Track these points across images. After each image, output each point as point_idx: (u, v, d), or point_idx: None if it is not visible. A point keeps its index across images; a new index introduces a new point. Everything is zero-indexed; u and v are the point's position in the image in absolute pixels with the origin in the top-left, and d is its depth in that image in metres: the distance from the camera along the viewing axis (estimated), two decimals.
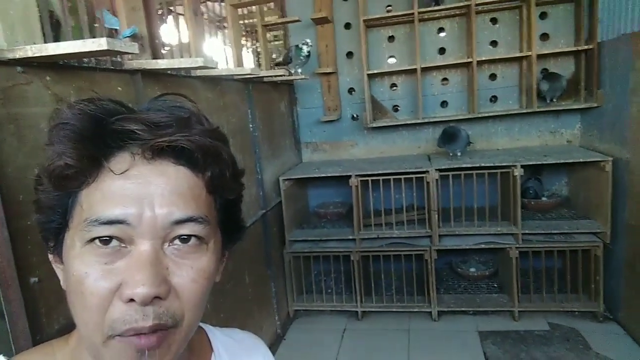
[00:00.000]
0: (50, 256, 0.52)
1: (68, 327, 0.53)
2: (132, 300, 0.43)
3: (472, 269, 2.97)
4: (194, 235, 0.48)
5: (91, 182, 0.46)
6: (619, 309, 2.49)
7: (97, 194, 0.45)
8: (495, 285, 2.88)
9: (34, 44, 1.02)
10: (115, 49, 0.98)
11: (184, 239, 0.47)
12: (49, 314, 1.00)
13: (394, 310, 2.79)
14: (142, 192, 0.45)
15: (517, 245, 2.54)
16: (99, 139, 0.46)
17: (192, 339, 0.52)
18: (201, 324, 0.66)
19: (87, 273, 0.44)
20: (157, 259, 0.45)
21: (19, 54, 0.97)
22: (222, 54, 2.39)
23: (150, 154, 0.47)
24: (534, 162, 2.53)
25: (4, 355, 0.51)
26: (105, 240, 0.44)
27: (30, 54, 0.97)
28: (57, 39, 1.29)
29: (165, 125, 0.47)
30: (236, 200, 0.56)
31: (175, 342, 0.47)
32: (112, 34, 1.56)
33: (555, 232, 2.53)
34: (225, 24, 2.50)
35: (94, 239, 0.44)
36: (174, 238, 0.47)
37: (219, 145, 0.50)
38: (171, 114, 0.49)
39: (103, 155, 0.46)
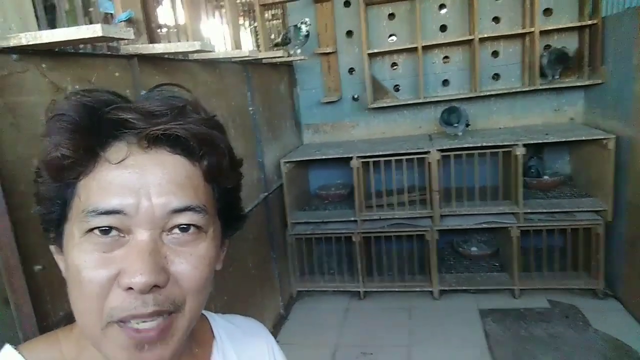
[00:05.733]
0: (52, 247, 0.53)
1: (72, 313, 0.54)
2: (130, 288, 0.43)
3: (474, 249, 2.99)
4: (193, 225, 0.48)
5: (88, 172, 0.46)
6: (619, 286, 2.52)
7: (94, 185, 0.46)
8: (496, 264, 2.90)
9: (28, 31, 1.01)
10: (110, 35, 0.97)
11: (183, 228, 0.47)
12: (53, 301, 1.02)
13: (396, 289, 2.83)
14: (139, 182, 0.45)
15: (519, 225, 2.55)
16: (94, 129, 0.46)
17: (194, 326, 0.53)
18: (202, 311, 0.67)
19: (85, 262, 0.45)
20: (155, 248, 0.45)
21: (13, 42, 0.97)
22: (219, 34, 2.36)
23: (146, 143, 0.47)
24: (536, 141, 2.51)
25: (10, 344, 0.52)
26: (104, 230, 0.45)
27: (24, 42, 0.96)
28: (51, 23, 1.28)
29: (160, 114, 0.47)
30: (235, 189, 0.56)
31: (178, 331, 0.47)
32: (107, 18, 1.54)
33: (556, 210, 2.54)
34: (222, 4, 2.46)
35: (93, 229, 0.45)
36: (173, 227, 0.47)
37: (214, 134, 0.50)
38: (166, 102, 0.49)
39: (99, 145, 0.46)
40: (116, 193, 0.45)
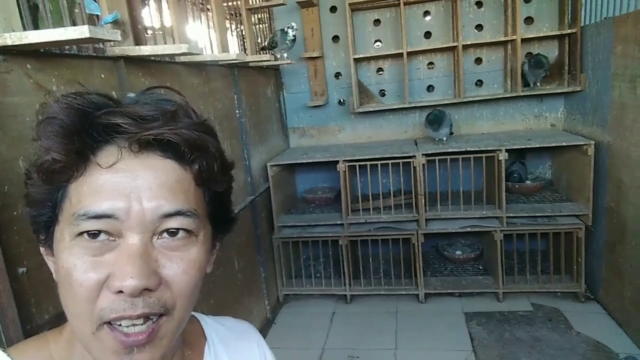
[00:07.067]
0: (42, 249, 0.52)
1: (58, 316, 0.54)
2: (121, 291, 0.44)
3: (458, 252, 3.03)
4: (183, 229, 0.48)
5: (79, 176, 0.46)
6: (599, 289, 2.57)
7: (85, 188, 0.45)
8: (481, 268, 2.94)
9: (13, 31, 1.00)
10: (98, 37, 0.96)
11: (173, 232, 0.47)
12: (38, 304, 1.00)
13: (382, 293, 2.84)
14: (130, 186, 0.45)
15: (502, 228, 2.59)
16: (85, 133, 0.46)
17: (185, 328, 0.53)
18: (194, 313, 0.67)
19: (75, 265, 0.45)
20: (146, 252, 0.45)
21: None
22: (206, 37, 2.35)
23: (137, 147, 0.47)
24: (519, 147, 2.56)
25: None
26: (94, 234, 0.45)
27: (9, 42, 0.94)
28: (35, 23, 1.26)
29: (151, 119, 0.47)
30: (225, 192, 0.56)
31: (168, 334, 0.48)
32: (93, 19, 1.52)
33: (538, 215, 2.59)
34: (209, 7, 2.45)
35: (83, 232, 0.45)
36: (163, 231, 0.47)
37: (205, 138, 0.50)
38: (158, 107, 0.49)
39: (90, 149, 0.46)
40: (107, 197, 0.45)
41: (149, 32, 2.16)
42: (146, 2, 2.14)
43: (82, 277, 0.44)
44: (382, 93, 3.21)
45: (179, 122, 0.49)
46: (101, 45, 1.37)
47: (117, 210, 0.44)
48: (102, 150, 0.46)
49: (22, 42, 0.95)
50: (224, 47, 2.36)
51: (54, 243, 0.49)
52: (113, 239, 0.45)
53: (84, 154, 0.46)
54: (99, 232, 0.45)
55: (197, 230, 0.50)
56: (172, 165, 0.48)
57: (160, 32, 1.98)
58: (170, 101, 0.51)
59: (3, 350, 0.51)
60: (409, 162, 2.64)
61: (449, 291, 2.78)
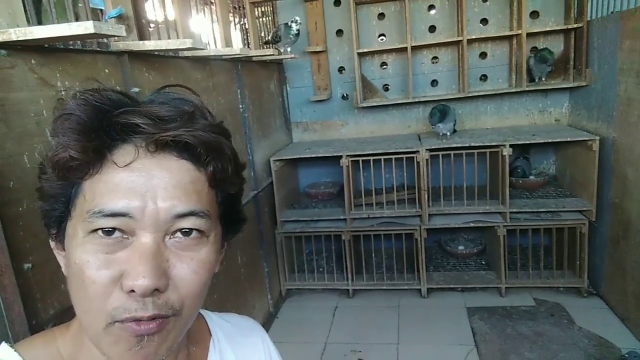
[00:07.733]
0: (52, 243, 0.53)
1: (63, 311, 0.54)
2: (132, 291, 0.44)
3: (461, 247, 3.03)
4: (196, 229, 0.48)
5: (94, 173, 0.46)
6: (602, 285, 2.57)
7: (100, 186, 0.46)
8: (483, 263, 2.94)
9: (18, 26, 1.00)
10: (102, 33, 0.96)
11: (186, 232, 0.48)
12: (43, 299, 1.01)
13: (385, 288, 2.85)
14: (145, 185, 0.46)
15: (505, 224, 2.59)
16: (103, 131, 0.46)
17: (190, 325, 0.53)
18: (199, 310, 0.67)
19: (88, 262, 0.45)
20: (158, 251, 0.46)
21: (2, 37, 0.95)
22: (209, 31, 2.34)
23: (154, 147, 0.47)
24: (523, 142, 2.55)
25: (6, 343, 0.52)
26: (108, 231, 0.45)
27: (14, 38, 0.94)
28: (38, 16, 1.26)
29: (169, 120, 0.48)
30: (237, 194, 0.57)
31: (174, 330, 0.48)
32: (96, 13, 1.52)
33: (542, 210, 2.58)
34: (212, 0, 2.44)
35: (97, 229, 0.45)
36: (176, 231, 0.47)
37: (221, 141, 0.50)
38: (175, 107, 0.49)
39: (107, 147, 0.46)
40: (123, 196, 0.45)
41: (152, 25, 2.15)
42: None
43: (95, 275, 0.44)
44: (386, 88, 3.20)
45: (195, 123, 0.49)
46: (105, 40, 1.37)
47: (133, 209, 0.45)
48: (118, 149, 0.47)
49: (27, 38, 0.94)
50: (227, 41, 2.35)
51: (66, 238, 0.49)
52: (126, 236, 0.46)
53: (101, 152, 0.46)
54: (114, 229, 0.45)
55: (209, 231, 0.50)
56: (187, 166, 0.49)
57: (164, 26, 1.97)
58: (187, 101, 0.51)
59: (10, 345, 0.51)
60: (412, 157, 2.63)
61: (452, 286, 2.78)
